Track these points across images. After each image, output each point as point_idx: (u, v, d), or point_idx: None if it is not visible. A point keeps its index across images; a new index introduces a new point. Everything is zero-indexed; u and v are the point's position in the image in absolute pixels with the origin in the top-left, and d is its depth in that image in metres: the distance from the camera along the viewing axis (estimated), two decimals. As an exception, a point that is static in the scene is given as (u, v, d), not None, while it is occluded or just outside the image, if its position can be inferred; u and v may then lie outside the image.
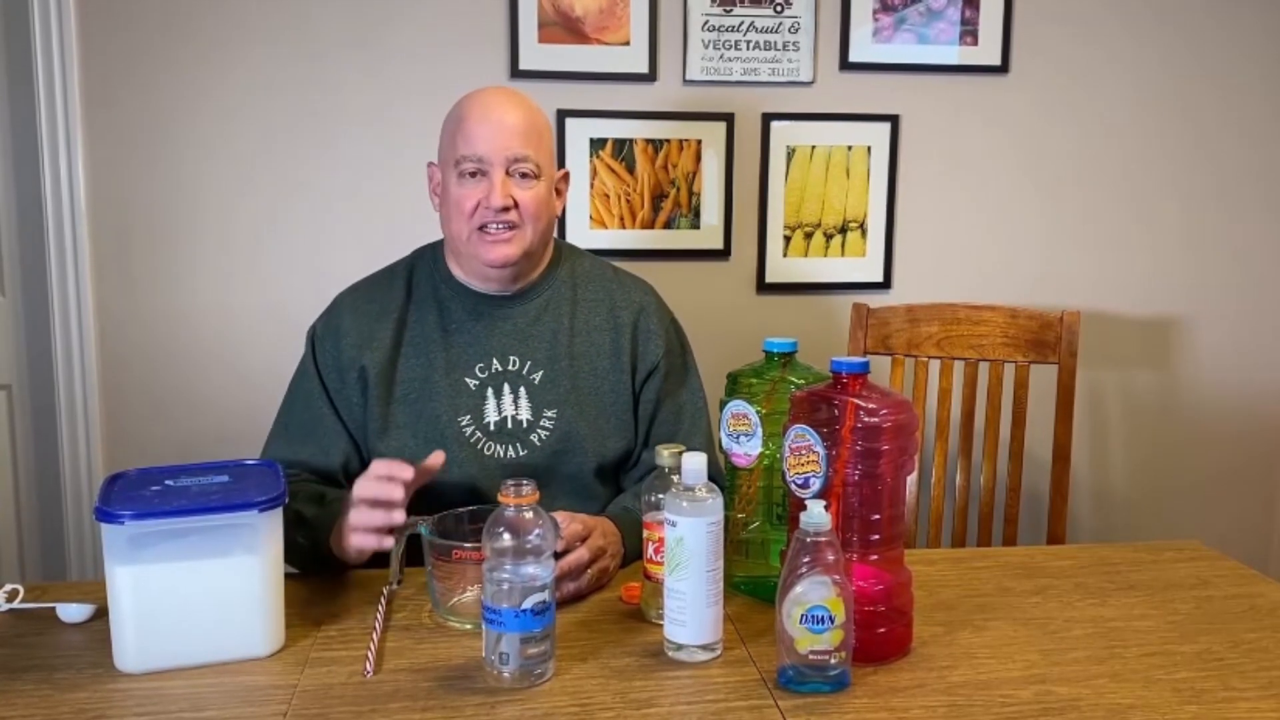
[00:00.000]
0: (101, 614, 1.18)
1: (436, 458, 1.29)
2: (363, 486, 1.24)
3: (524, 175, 1.42)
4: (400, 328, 1.49)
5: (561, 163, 2.17)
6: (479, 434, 1.45)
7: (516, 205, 1.42)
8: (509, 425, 1.46)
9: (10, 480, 2.21)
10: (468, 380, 1.46)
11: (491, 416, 1.46)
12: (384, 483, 1.23)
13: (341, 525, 1.26)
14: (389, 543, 1.24)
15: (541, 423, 1.46)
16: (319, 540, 1.30)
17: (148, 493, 1.11)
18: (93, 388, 2.13)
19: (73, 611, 1.21)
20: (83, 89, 2.07)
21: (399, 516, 1.22)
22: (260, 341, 2.15)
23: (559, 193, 1.52)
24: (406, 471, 1.23)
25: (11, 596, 1.25)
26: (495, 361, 1.47)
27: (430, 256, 1.55)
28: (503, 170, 1.41)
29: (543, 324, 1.50)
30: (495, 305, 1.50)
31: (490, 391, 1.47)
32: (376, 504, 1.23)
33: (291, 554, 1.20)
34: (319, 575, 1.33)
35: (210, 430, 2.16)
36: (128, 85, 2.08)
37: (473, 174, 1.42)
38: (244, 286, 2.16)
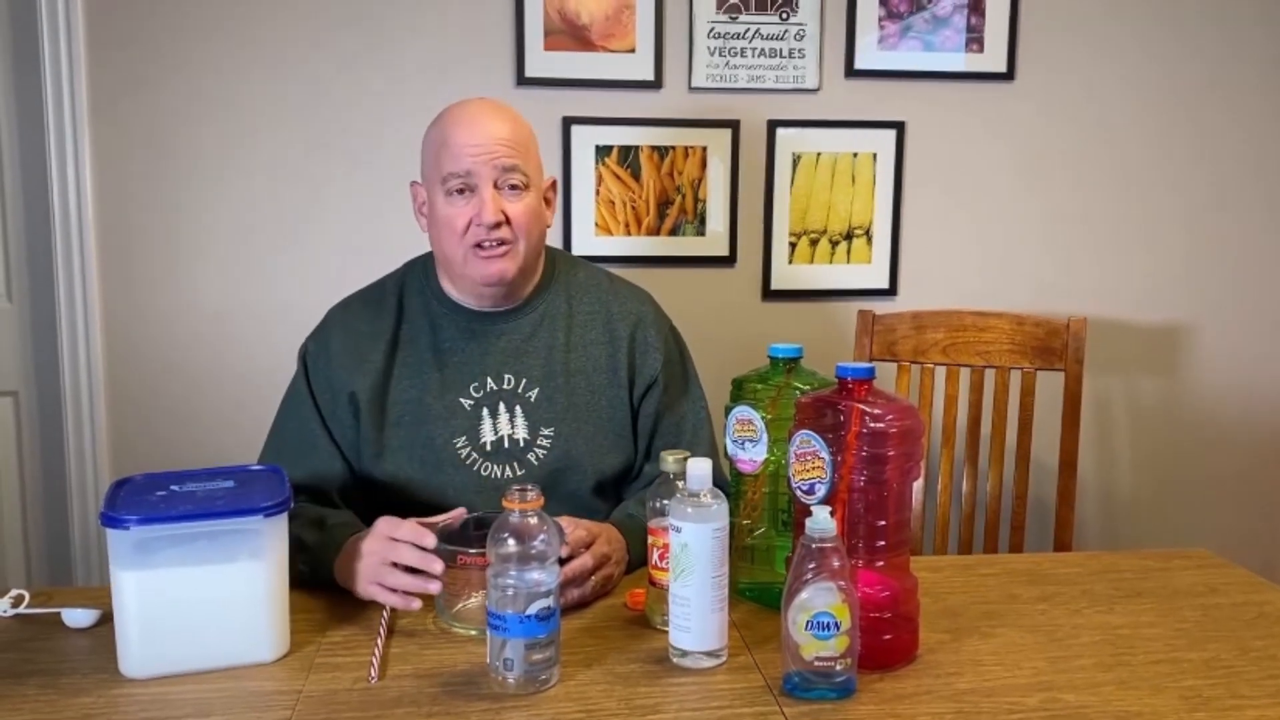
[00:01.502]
0: (107, 619, 1.18)
1: (458, 514, 1.26)
2: (391, 549, 1.21)
3: (513, 187, 1.40)
4: (392, 350, 1.46)
5: (567, 171, 2.17)
6: (475, 455, 1.43)
7: (508, 220, 1.39)
8: (505, 445, 1.44)
9: (17, 485, 2.22)
10: (462, 401, 1.44)
11: (488, 436, 1.44)
12: (411, 548, 1.19)
13: (354, 567, 1.24)
14: (416, 604, 1.20)
15: (539, 441, 1.44)
16: (320, 567, 1.29)
17: (153, 498, 1.11)
18: (99, 394, 2.14)
19: (78, 616, 1.21)
20: (90, 97, 2.08)
21: (434, 587, 1.18)
22: (266, 349, 2.15)
23: (548, 202, 1.49)
24: (429, 539, 1.20)
25: (17, 601, 1.25)
26: (490, 380, 1.45)
27: (421, 272, 1.52)
28: (491, 184, 1.38)
29: (538, 340, 1.48)
30: (489, 322, 1.47)
31: (486, 411, 1.44)
32: (405, 567, 1.20)
33: (290, 576, 1.17)
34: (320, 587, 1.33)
35: (215, 436, 2.16)
36: (135, 93, 2.09)
37: (460, 191, 1.39)
38: (251, 294, 2.16)
